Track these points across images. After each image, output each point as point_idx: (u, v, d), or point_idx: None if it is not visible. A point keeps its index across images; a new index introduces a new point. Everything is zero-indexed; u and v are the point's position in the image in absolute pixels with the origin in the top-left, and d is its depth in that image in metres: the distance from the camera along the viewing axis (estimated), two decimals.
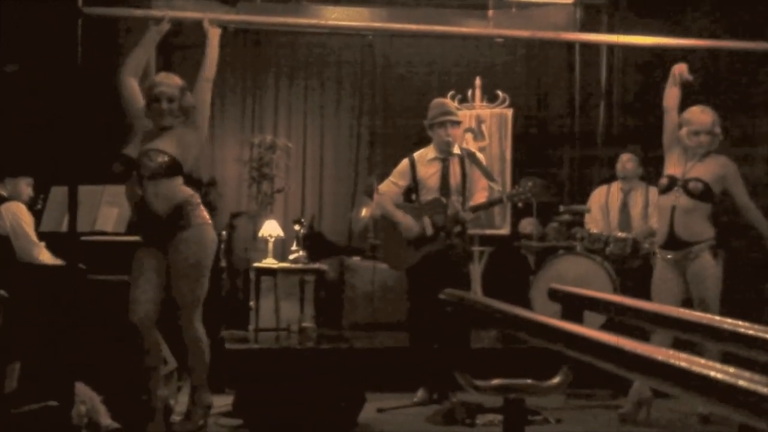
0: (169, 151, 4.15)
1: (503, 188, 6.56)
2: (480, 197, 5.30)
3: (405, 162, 5.45)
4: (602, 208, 6.42)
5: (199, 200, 4.29)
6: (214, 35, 4.44)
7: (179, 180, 4.22)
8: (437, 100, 5.54)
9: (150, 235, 4.25)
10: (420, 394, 5.24)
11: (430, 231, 5.24)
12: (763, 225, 4.73)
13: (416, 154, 5.43)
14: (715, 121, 4.72)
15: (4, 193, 4.89)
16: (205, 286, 4.29)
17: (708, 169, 4.70)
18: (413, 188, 5.40)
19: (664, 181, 4.80)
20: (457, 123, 5.38)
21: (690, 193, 4.67)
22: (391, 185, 5.44)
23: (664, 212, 4.78)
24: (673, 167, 4.80)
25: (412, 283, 5.39)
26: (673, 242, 4.73)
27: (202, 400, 4.35)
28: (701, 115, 4.72)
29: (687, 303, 4.72)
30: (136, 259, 4.26)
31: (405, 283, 5.53)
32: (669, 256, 4.75)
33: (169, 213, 4.16)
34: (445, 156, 5.30)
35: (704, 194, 4.67)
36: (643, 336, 3.94)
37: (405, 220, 5.28)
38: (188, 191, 4.25)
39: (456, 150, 5.32)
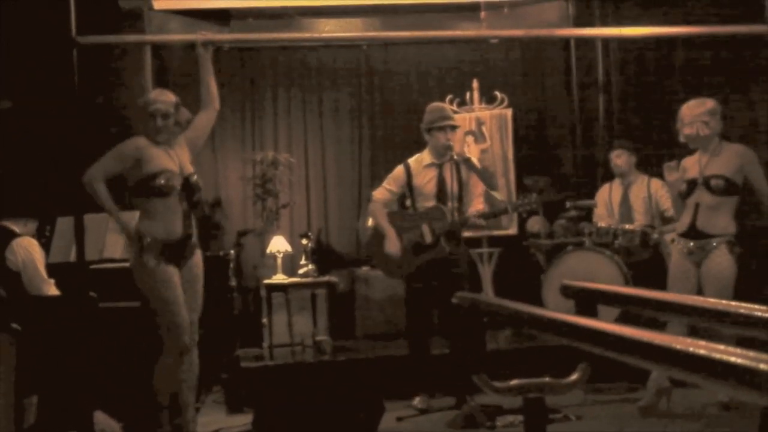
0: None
1: (507, 187, 6.56)
2: (477, 203, 5.27)
3: (400, 168, 5.39)
4: (606, 205, 6.42)
5: None
6: (206, 62, 4.40)
7: None
8: (434, 105, 5.50)
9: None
10: (418, 400, 5.21)
11: (429, 239, 5.19)
12: None
13: (411, 161, 5.38)
14: (694, 113, 4.66)
15: (17, 229, 4.88)
16: None
17: (726, 162, 4.66)
18: (407, 195, 5.36)
19: (683, 187, 4.75)
20: (456, 127, 5.37)
21: (713, 191, 4.64)
22: (385, 191, 5.39)
23: (689, 207, 4.75)
24: (689, 173, 4.76)
25: (411, 290, 5.32)
26: (693, 232, 4.71)
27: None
28: (684, 108, 4.73)
29: (701, 293, 4.69)
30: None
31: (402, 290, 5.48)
32: (688, 245, 4.72)
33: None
34: (442, 161, 5.25)
35: (728, 189, 4.63)
36: (658, 326, 3.92)
37: (390, 238, 5.23)
38: None
39: (454, 155, 5.28)
